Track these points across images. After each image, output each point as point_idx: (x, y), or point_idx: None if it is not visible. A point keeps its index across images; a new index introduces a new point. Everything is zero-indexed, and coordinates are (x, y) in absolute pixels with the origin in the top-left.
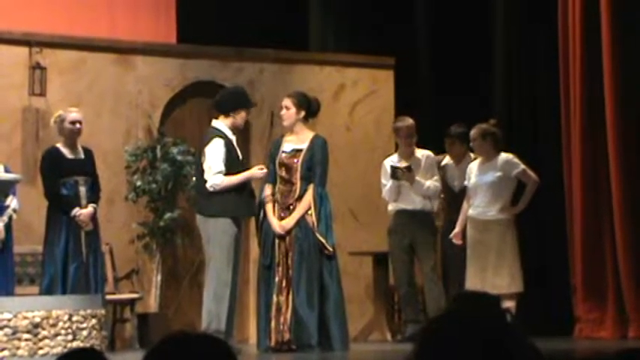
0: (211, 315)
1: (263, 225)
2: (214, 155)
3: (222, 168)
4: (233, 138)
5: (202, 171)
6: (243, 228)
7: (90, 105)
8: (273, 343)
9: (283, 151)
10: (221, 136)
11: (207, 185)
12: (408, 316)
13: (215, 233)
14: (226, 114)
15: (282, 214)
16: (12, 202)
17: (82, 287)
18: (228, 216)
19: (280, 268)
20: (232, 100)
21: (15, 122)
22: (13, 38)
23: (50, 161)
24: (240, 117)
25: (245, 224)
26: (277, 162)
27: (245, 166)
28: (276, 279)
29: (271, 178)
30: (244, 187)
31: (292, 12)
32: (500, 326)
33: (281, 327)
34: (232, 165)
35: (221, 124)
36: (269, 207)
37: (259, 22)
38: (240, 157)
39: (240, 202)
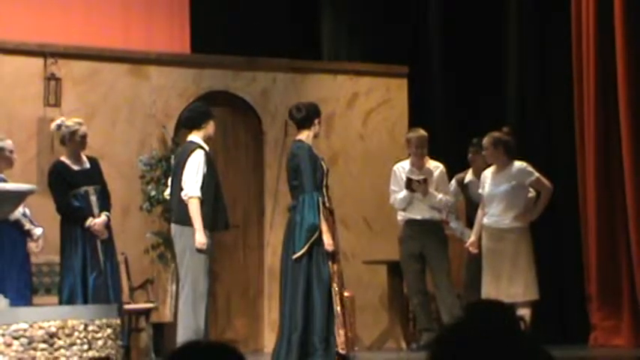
0: (190, 330)
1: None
2: (196, 168)
3: (201, 182)
4: (207, 149)
5: (181, 181)
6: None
7: (104, 115)
8: (345, 351)
9: (323, 159)
10: (202, 148)
11: (184, 194)
12: (421, 325)
13: (193, 243)
14: (199, 127)
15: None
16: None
17: (102, 297)
18: (206, 227)
19: (337, 278)
20: (201, 114)
21: (30, 133)
22: (28, 49)
23: (57, 175)
24: (211, 126)
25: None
26: (324, 171)
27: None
28: (336, 289)
29: (318, 186)
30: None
31: (305, 21)
32: (513, 334)
33: (349, 334)
34: (211, 176)
35: (196, 137)
36: (324, 221)
37: (272, 32)
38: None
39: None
